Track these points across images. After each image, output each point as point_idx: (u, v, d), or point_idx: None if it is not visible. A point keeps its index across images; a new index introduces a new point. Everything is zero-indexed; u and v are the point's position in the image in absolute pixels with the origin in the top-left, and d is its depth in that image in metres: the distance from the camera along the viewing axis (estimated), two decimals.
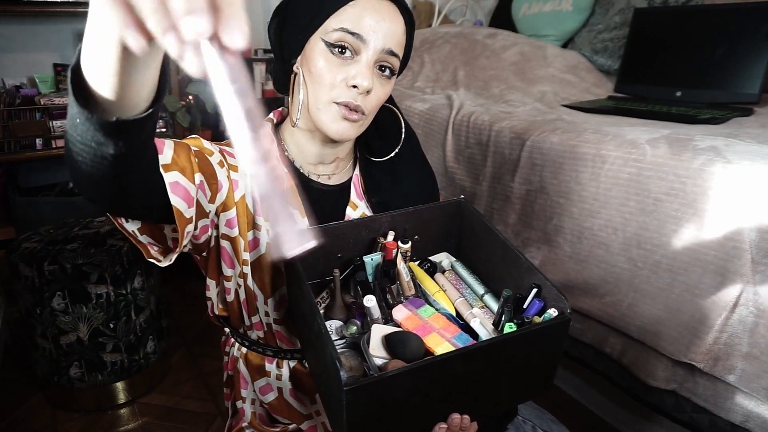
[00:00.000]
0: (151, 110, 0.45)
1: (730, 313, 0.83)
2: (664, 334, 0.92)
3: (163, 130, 2.24)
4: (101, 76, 0.40)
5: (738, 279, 0.82)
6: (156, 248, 0.64)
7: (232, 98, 0.29)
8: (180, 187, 0.59)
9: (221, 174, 0.69)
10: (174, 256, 0.63)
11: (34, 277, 1.40)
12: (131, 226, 0.60)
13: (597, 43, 1.82)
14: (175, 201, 0.58)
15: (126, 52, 0.37)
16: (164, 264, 0.64)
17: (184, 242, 0.62)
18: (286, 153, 0.79)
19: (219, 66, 0.29)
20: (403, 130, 0.82)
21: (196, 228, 0.66)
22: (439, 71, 1.82)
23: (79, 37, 2.22)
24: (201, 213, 0.66)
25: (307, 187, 0.78)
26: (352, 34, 0.66)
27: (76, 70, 0.41)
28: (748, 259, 0.81)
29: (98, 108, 0.42)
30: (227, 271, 0.75)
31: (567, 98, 1.59)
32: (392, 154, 0.80)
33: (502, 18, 2.21)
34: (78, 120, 0.43)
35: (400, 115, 0.82)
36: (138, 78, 0.41)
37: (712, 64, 1.38)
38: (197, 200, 0.63)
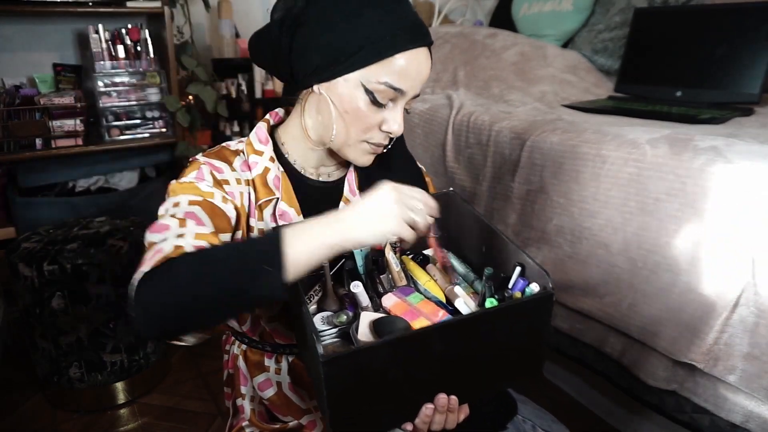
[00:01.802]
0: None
1: (731, 313, 0.83)
2: (664, 334, 0.92)
3: (163, 130, 2.24)
4: (311, 260, 0.56)
5: (738, 279, 0.82)
6: None
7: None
8: None
9: (228, 208, 0.70)
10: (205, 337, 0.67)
11: (33, 277, 1.40)
12: None
13: (597, 43, 1.82)
14: None
15: None
16: (191, 343, 0.67)
17: None
18: (286, 155, 0.79)
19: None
20: None
21: None
22: (439, 71, 1.83)
23: (79, 37, 2.22)
24: None
25: (302, 184, 0.78)
26: (395, 89, 0.67)
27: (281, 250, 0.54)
28: (748, 259, 0.81)
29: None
30: None
31: (567, 98, 1.59)
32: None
33: (502, 18, 2.21)
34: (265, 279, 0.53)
35: None
36: None
37: (712, 64, 1.39)
38: None
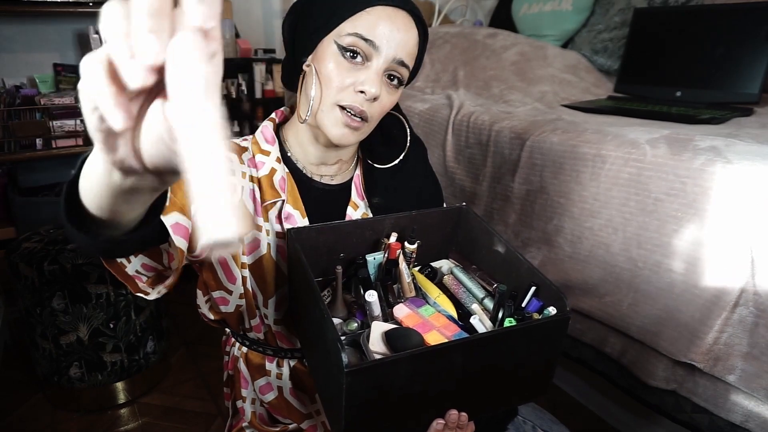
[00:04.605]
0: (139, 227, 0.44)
1: (730, 313, 0.83)
2: (664, 334, 0.92)
3: None
4: (95, 198, 0.40)
5: (738, 279, 0.82)
6: (145, 279, 0.61)
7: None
8: (180, 227, 0.57)
9: None
10: (163, 291, 0.61)
11: (34, 277, 1.40)
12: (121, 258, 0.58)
13: (597, 43, 1.82)
14: (179, 242, 0.55)
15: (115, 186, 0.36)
16: (152, 297, 0.61)
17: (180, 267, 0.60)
18: (288, 153, 0.79)
19: None
20: (408, 139, 0.82)
21: (194, 249, 0.64)
22: (439, 71, 1.82)
23: (79, 37, 2.22)
24: None
25: (307, 186, 0.78)
26: (365, 40, 0.66)
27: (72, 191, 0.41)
28: (748, 259, 0.81)
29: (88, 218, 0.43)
30: (230, 286, 0.75)
31: (567, 98, 1.59)
32: (395, 162, 0.81)
33: (502, 18, 2.21)
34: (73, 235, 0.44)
35: (406, 124, 0.82)
36: (129, 206, 0.40)
37: (712, 64, 1.38)
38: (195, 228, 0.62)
